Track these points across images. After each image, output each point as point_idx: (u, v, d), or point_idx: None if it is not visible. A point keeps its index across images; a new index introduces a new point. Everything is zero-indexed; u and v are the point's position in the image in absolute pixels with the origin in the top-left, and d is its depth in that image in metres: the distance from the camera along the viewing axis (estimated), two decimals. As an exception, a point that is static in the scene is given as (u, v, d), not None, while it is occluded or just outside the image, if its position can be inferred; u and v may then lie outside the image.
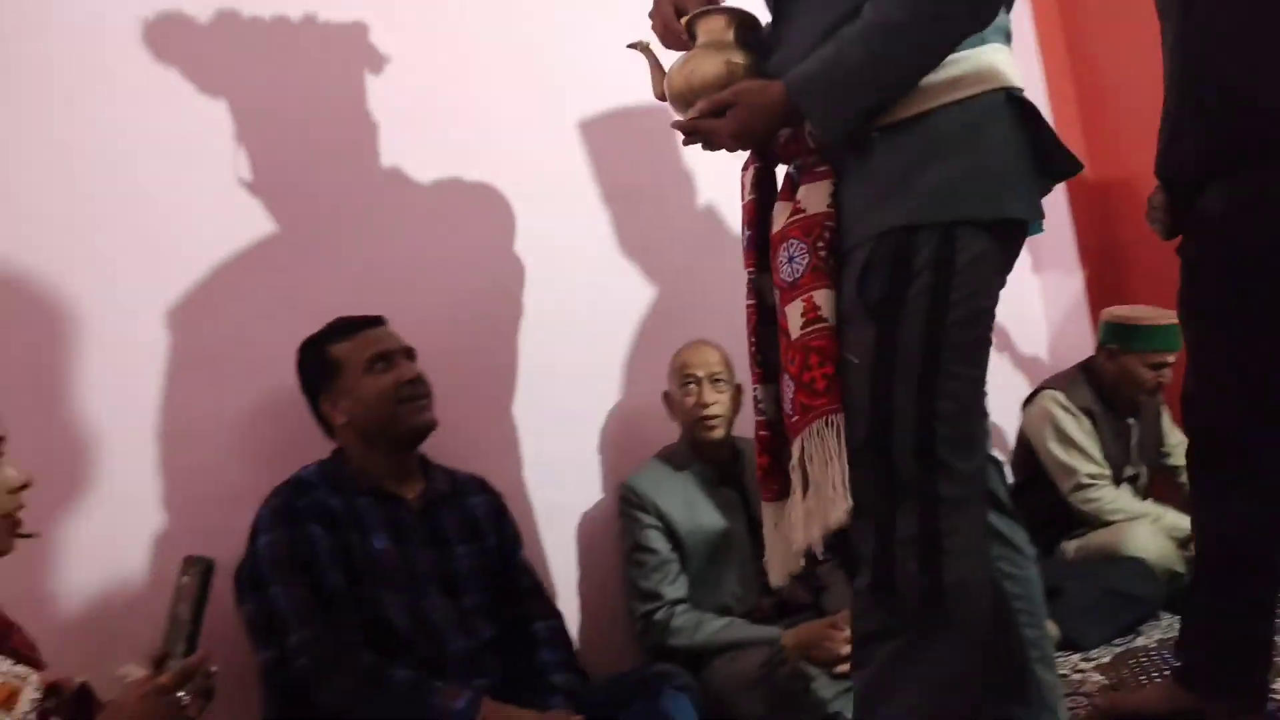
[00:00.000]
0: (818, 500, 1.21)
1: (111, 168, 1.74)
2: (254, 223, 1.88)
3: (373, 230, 2.02)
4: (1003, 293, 1.25)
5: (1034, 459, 2.77)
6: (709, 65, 1.31)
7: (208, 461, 1.75)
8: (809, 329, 1.24)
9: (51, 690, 1.08)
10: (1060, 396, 2.73)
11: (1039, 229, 1.32)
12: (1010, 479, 2.63)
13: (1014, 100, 1.23)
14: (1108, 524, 2.60)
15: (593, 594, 2.20)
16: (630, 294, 2.39)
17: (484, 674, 1.63)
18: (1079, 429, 2.69)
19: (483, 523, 1.79)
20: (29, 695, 1.02)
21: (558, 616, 1.82)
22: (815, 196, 1.27)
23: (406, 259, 2.05)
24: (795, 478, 1.24)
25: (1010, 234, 1.24)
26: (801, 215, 1.28)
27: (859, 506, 1.19)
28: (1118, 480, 2.73)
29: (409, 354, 1.77)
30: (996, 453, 1.43)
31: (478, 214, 2.18)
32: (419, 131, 2.09)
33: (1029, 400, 2.85)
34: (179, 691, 1.07)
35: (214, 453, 1.76)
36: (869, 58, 1.17)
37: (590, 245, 2.34)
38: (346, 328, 1.75)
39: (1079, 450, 2.68)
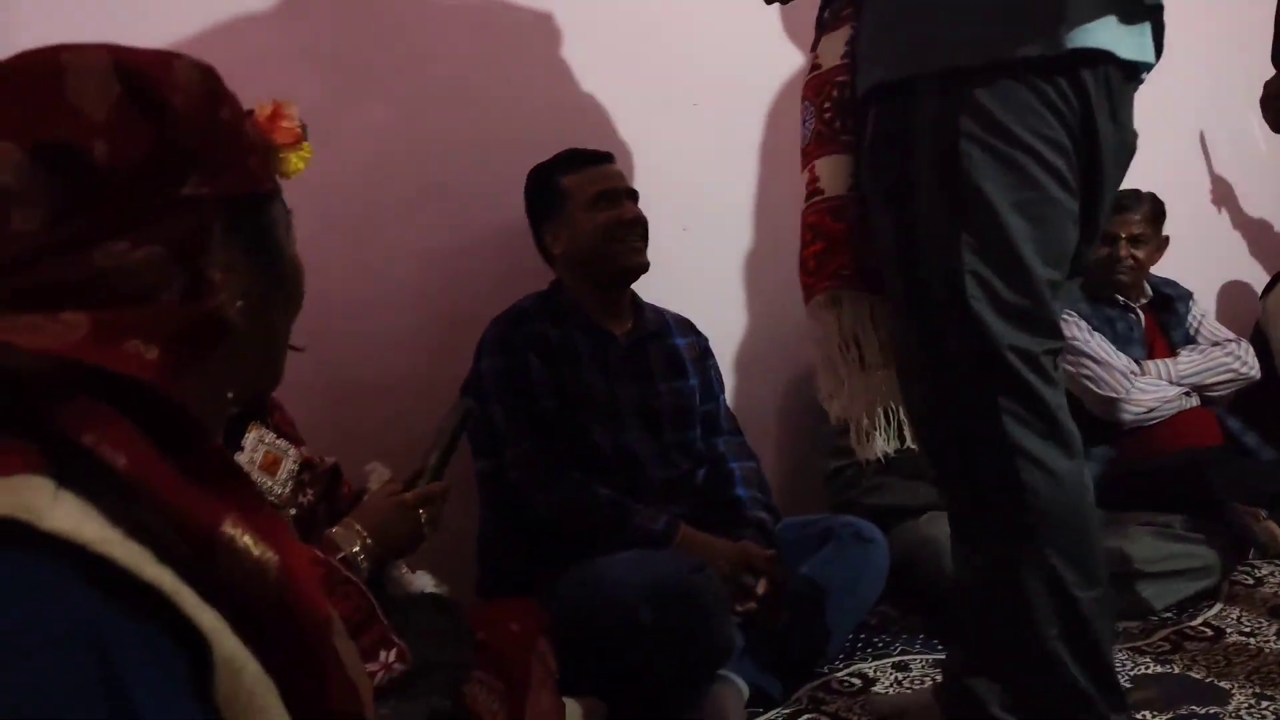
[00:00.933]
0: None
1: None
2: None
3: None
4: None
5: (1272, 360, 2.49)
6: None
7: (443, 285, 1.87)
8: (808, 202, 1.17)
9: (307, 465, 1.20)
10: None
11: (1138, 52, 1.05)
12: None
13: None
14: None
15: (788, 443, 2.24)
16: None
17: (679, 504, 1.71)
18: None
19: (687, 363, 1.84)
20: (288, 466, 1.13)
21: (754, 459, 1.87)
22: (831, 48, 1.15)
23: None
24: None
25: (1050, 68, 1.00)
26: (817, 71, 1.16)
27: (920, 415, 1.13)
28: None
29: (632, 195, 1.79)
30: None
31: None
32: None
33: (1269, 289, 2.55)
34: (419, 509, 1.19)
35: (449, 278, 1.88)
36: None
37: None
38: (576, 160, 1.78)
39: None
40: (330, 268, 1.75)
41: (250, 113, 0.65)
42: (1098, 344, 2.29)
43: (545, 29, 1.99)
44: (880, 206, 1.10)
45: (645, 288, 1.87)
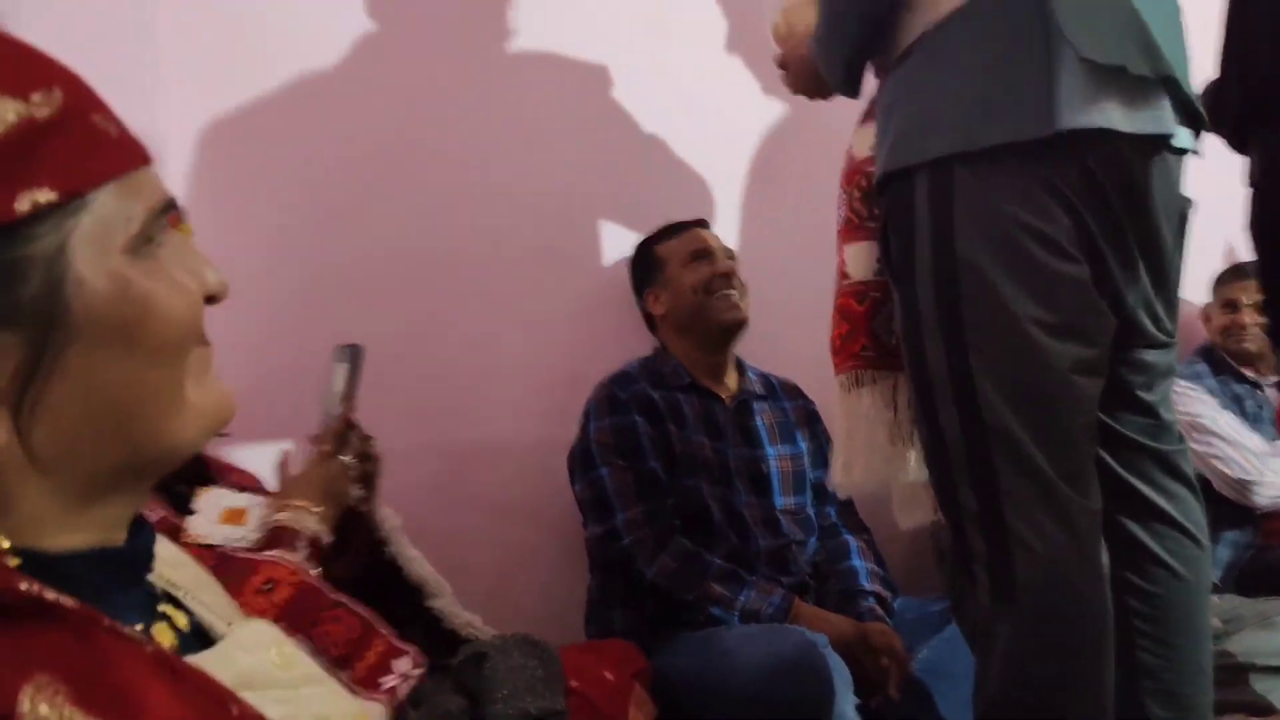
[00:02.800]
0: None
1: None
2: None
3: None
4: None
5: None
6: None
7: (551, 350, 1.89)
8: (837, 286, 1.22)
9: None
10: None
11: (1152, 125, 1.03)
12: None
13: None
14: None
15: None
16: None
17: (789, 574, 1.65)
18: None
19: (796, 426, 1.80)
20: (256, 513, 1.09)
21: (868, 531, 1.80)
22: (862, 140, 1.21)
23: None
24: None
25: (1042, 148, 1.00)
26: (850, 162, 1.22)
27: (932, 477, 1.11)
28: None
29: (729, 254, 1.82)
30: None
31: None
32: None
33: None
34: (341, 455, 1.13)
35: (557, 343, 1.90)
36: (825, 3, 1.12)
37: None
38: (674, 229, 1.85)
39: None
40: (445, 337, 1.79)
41: None
42: (1226, 422, 2.17)
43: (651, 99, 2.04)
44: (894, 288, 1.14)
45: (751, 353, 1.86)
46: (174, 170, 1.64)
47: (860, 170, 1.20)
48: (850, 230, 1.22)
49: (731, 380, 1.80)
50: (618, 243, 1.91)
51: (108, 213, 0.43)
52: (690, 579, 1.54)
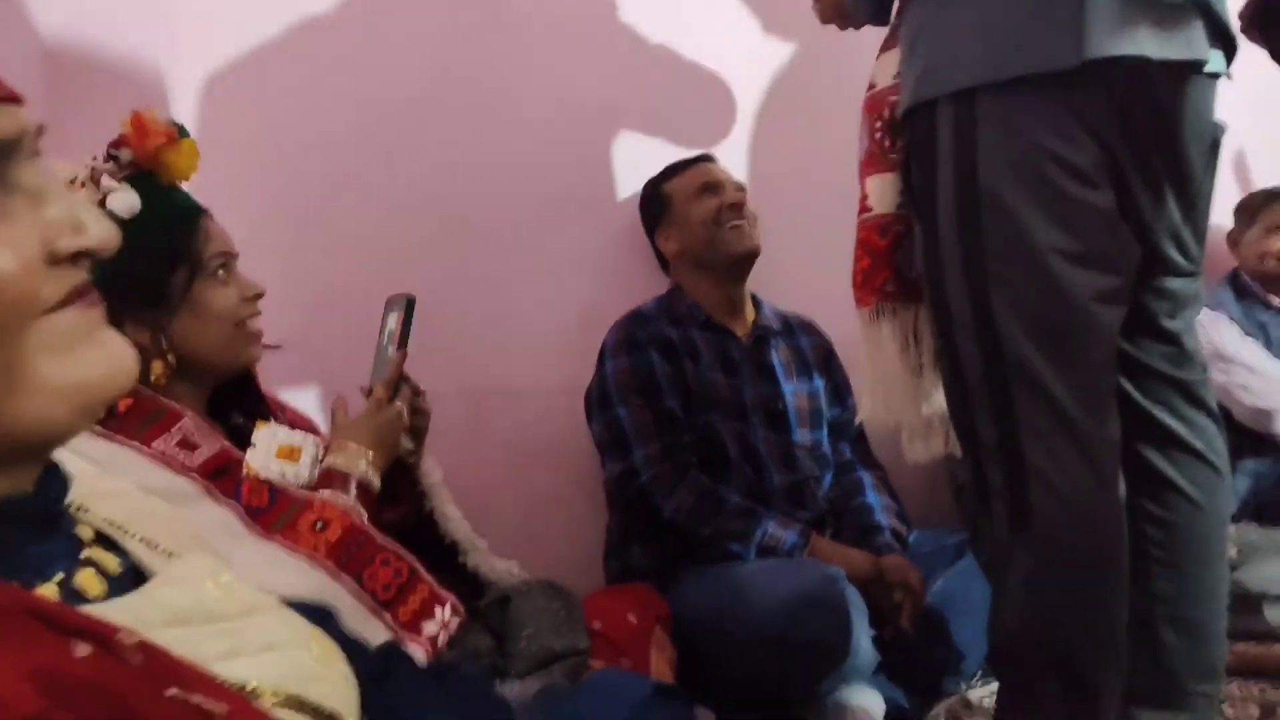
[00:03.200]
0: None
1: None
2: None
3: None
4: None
5: None
6: None
7: (568, 291, 1.89)
8: (859, 219, 1.20)
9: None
10: None
11: (1184, 50, 1.00)
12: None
13: None
14: None
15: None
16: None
17: (806, 509, 1.67)
18: None
19: (812, 364, 1.80)
20: (310, 451, 1.10)
21: (882, 468, 1.81)
22: (884, 69, 1.18)
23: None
24: None
25: (1069, 77, 0.97)
26: (872, 90, 1.19)
27: (950, 409, 1.11)
28: None
29: (737, 186, 1.80)
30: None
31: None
32: None
33: None
34: (394, 401, 1.15)
35: (573, 284, 1.90)
36: None
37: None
38: (680, 166, 1.83)
39: None
40: (464, 283, 1.79)
41: None
42: (1250, 351, 2.15)
43: (667, 36, 1.99)
44: (915, 220, 1.13)
45: (768, 291, 1.85)
46: (188, 123, 1.63)
47: (883, 100, 1.17)
48: (873, 162, 1.20)
49: (747, 317, 1.79)
50: (632, 182, 1.88)
51: None
52: (707, 514, 1.56)
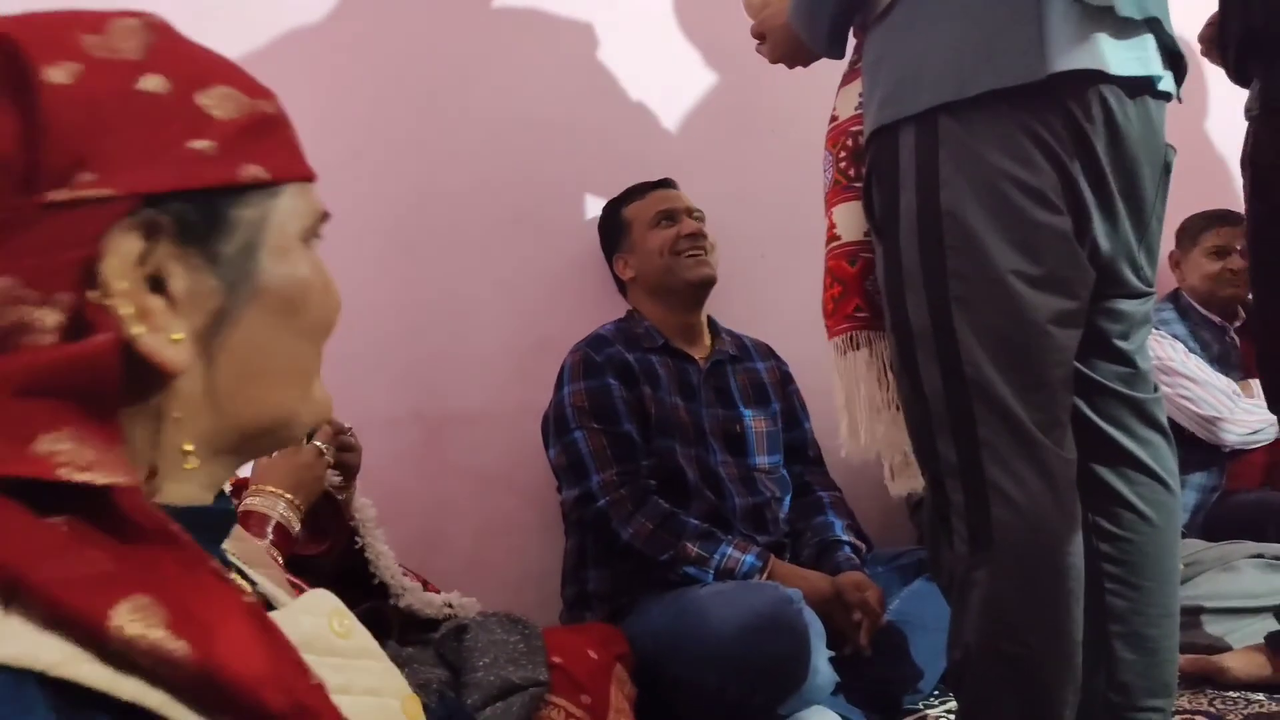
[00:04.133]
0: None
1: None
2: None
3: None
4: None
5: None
6: None
7: (525, 314, 1.88)
8: (828, 248, 1.22)
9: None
10: None
11: (1138, 67, 1.03)
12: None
13: None
14: None
15: (872, 474, 2.18)
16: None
17: (764, 532, 1.68)
18: None
19: (769, 387, 1.82)
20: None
21: (839, 490, 1.83)
22: (846, 101, 1.21)
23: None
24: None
25: (1030, 94, 1.00)
26: (835, 123, 1.22)
27: (910, 430, 1.12)
28: None
29: (695, 213, 1.81)
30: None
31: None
32: None
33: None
34: (310, 440, 1.12)
35: (531, 307, 1.89)
36: None
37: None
38: (639, 190, 1.84)
39: None
40: (420, 306, 1.78)
41: (230, 75, 0.50)
42: (1195, 364, 2.20)
43: (625, 59, 2.01)
44: (877, 241, 1.13)
45: (724, 314, 1.86)
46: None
47: (845, 131, 1.19)
48: (838, 192, 1.21)
49: (705, 342, 1.81)
50: (590, 204, 1.89)
51: (293, 205, 0.50)
52: (666, 539, 1.56)
